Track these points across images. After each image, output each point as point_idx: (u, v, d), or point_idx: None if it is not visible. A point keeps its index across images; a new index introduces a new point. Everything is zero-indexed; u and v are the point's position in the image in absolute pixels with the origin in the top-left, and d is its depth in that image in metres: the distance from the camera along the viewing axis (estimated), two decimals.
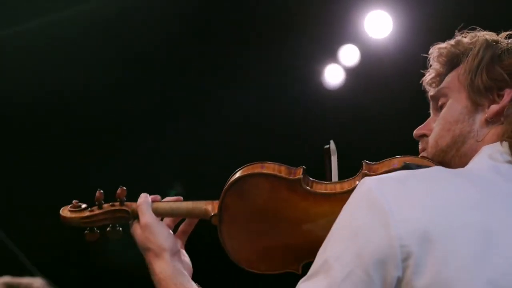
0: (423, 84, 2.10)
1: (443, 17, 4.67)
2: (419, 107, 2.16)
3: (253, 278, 2.36)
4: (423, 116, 2.06)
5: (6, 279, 3.45)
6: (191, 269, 2.11)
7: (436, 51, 2.06)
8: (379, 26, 4.93)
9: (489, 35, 2.02)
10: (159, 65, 5.12)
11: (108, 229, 2.13)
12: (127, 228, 2.20)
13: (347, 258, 1.70)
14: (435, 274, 1.69)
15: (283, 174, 1.99)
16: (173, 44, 5.00)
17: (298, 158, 2.27)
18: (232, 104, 5.06)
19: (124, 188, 2.10)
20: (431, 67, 2.09)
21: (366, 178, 1.78)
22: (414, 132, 2.06)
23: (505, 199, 1.81)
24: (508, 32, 2.04)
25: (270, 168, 2.01)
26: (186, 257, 2.12)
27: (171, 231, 2.12)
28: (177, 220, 2.16)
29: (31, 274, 3.81)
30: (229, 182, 2.02)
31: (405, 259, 1.68)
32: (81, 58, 4.97)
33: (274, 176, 1.98)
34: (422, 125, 2.06)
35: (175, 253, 2.08)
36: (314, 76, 5.13)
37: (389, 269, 1.69)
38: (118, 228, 2.13)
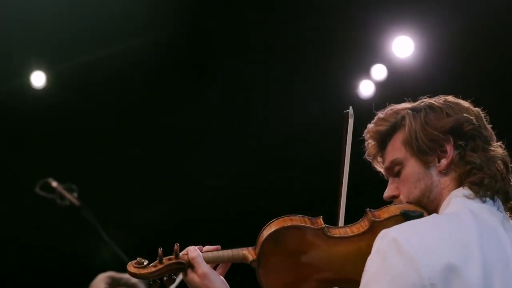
0: (368, 158, 2.28)
1: (457, 40, 5.21)
2: None
3: None
4: None
5: (110, 273, 3.82)
6: None
7: (367, 135, 2.26)
8: (403, 48, 5.41)
9: (409, 105, 2.21)
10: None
11: (165, 278, 2.27)
12: None
13: None
14: None
15: (308, 224, 2.20)
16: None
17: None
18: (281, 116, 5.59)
19: (178, 244, 2.25)
20: (369, 149, 2.27)
21: (386, 230, 2.00)
22: (384, 196, 2.23)
23: (489, 231, 2.05)
24: (422, 100, 2.23)
25: (297, 220, 2.21)
26: None
27: (222, 277, 2.27)
28: (216, 264, 2.29)
29: None
30: (266, 235, 2.21)
31: None
32: None
33: (302, 226, 2.19)
34: (387, 189, 2.22)
35: None
36: (351, 89, 5.64)
37: None
38: (173, 277, 2.27)
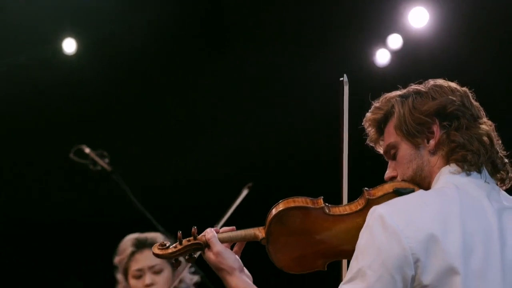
0: (370, 144, 2.45)
1: (471, 11, 5.32)
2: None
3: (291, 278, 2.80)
4: None
5: (135, 235, 4.00)
6: (251, 278, 2.47)
7: (366, 124, 2.42)
8: (419, 18, 5.48)
9: (400, 92, 2.37)
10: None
11: (186, 257, 2.50)
12: None
13: (376, 267, 2.11)
14: (438, 268, 2.09)
15: (310, 205, 2.39)
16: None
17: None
18: (303, 79, 5.64)
19: (196, 227, 2.48)
20: (370, 136, 2.43)
21: (375, 207, 2.19)
22: (385, 177, 2.39)
23: (472, 204, 2.20)
24: (413, 86, 2.38)
25: (300, 201, 2.41)
26: (246, 271, 2.47)
27: (235, 254, 2.47)
28: (231, 243, 2.49)
29: (155, 229, 4.28)
30: (272, 215, 2.41)
31: (416, 262, 2.11)
32: None
33: (304, 207, 2.39)
34: (387, 171, 2.39)
35: (241, 270, 2.45)
36: (367, 58, 5.73)
37: (406, 271, 2.11)
38: (194, 256, 2.51)
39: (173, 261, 2.54)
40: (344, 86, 2.55)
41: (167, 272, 3.90)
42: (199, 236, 2.48)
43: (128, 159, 5.53)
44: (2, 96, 5.58)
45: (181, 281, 3.89)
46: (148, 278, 3.87)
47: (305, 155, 5.66)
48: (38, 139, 5.65)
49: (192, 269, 3.97)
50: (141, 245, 3.96)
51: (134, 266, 3.94)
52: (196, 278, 3.94)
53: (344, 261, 2.55)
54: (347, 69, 2.68)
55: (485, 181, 2.28)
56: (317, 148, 5.30)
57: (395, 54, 5.72)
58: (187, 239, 2.48)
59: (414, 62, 5.53)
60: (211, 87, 5.80)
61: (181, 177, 5.75)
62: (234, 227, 2.51)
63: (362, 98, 2.50)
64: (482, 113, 2.36)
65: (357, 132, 2.52)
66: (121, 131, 5.80)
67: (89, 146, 4.87)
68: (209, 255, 2.45)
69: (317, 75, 5.39)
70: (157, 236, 3.93)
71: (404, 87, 2.42)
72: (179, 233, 2.47)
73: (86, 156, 4.83)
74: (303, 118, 5.59)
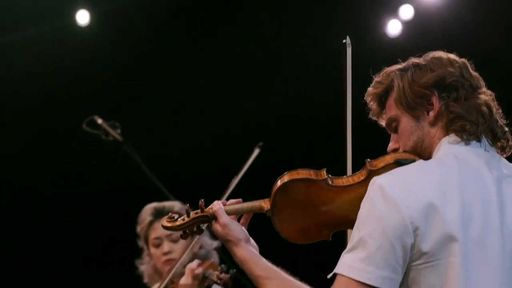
0: (373, 118, 2.49)
1: None
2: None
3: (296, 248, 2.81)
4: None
5: (154, 204, 4.05)
6: (258, 248, 2.50)
7: (368, 98, 2.46)
8: None
9: (399, 66, 2.40)
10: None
11: (194, 228, 2.56)
12: None
13: (376, 236, 2.13)
14: (437, 236, 2.12)
15: (313, 177, 2.42)
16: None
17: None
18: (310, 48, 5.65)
19: (203, 200, 2.53)
20: (371, 109, 2.47)
21: (375, 177, 2.21)
22: (388, 150, 2.43)
23: (471, 173, 2.23)
24: (412, 60, 2.40)
25: (303, 173, 2.43)
26: (253, 241, 2.51)
27: (242, 226, 2.51)
28: (238, 215, 2.53)
29: (166, 199, 4.35)
30: (276, 187, 2.44)
31: (415, 231, 2.13)
32: None
33: (308, 179, 2.42)
34: (390, 144, 2.43)
35: (248, 241, 2.48)
36: (379, 28, 5.75)
37: (405, 239, 2.13)
38: (201, 227, 2.57)
39: (182, 233, 2.58)
40: (347, 48, 2.57)
41: (184, 240, 3.95)
42: (206, 209, 2.52)
43: (139, 130, 5.58)
44: (16, 68, 5.62)
45: (201, 247, 3.94)
46: (166, 246, 3.93)
47: (312, 118, 5.63)
48: (51, 111, 5.71)
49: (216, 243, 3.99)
50: (158, 214, 3.99)
51: (153, 235, 4.00)
52: (216, 243, 3.96)
53: (349, 231, 2.53)
54: (359, 39, 2.72)
55: (485, 150, 2.30)
56: (324, 109, 5.25)
57: (406, 24, 5.74)
58: (195, 211, 2.53)
59: (425, 33, 5.54)
60: (219, 54, 5.82)
61: (192, 144, 5.78)
62: (241, 199, 2.55)
63: (374, 68, 2.50)
64: (482, 83, 2.37)
65: (363, 97, 2.53)
66: (133, 101, 5.84)
67: (101, 117, 4.95)
68: (216, 227, 2.49)
69: (329, 44, 5.38)
70: (175, 205, 3.98)
71: (416, 57, 2.44)
72: (187, 206, 2.54)
73: (98, 126, 4.92)
74: (313, 82, 5.60)
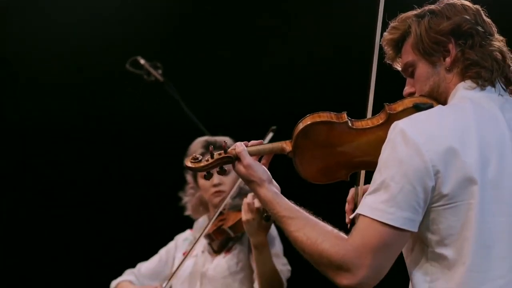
0: (388, 61, 2.57)
1: None
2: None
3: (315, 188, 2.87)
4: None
5: (205, 137, 4.18)
6: (279, 189, 2.54)
7: (384, 43, 2.54)
8: None
9: (414, 12, 2.47)
10: None
11: (217, 169, 2.63)
12: None
13: (398, 178, 2.20)
14: (456, 178, 2.20)
15: (334, 119, 2.50)
16: None
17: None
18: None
19: (226, 141, 2.59)
20: (388, 55, 2.56)
21: (396, 122, 2.28)
22: (404, 93, 2.52)
23: (487, 116, 2.31)
24: (425, 6, 2.48)
25: (324, 116, 2.51)
26: (275, 182, 2.56)
27: (264, 167, 2.57)
28: (259, 156, 2.59)
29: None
30: (298, 130, 2.51)
31: (436, 173, 2.20)
32: None
33: (329, 122, 2.50)
34: (405, 87, 2.52)
35: (270, 181, 2.53)
36: None
37: (427, 181, 2.20)
38: (224, 168, 2.62)
39: (205, 174, 2.65)
40: None
41: (234, 173, 4.00)
42: (229, 150, 2.58)
43: (181, 71, 5.62)
44: (56, 13, 5.69)
45: None
46: (216, 178, 3.98)
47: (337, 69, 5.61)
48: (95, 51, 5.77)
49: None
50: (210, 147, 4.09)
51: None
52: None
53: (363, 172, 2.68)
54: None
55: (499, 94, 2.39)
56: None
57: None
58: (218, 152, 2.60)
59: None
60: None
61: (233, 87, 5.83)
62: (262, 140, 2.61)
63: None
64: (494, 29, 2.46)
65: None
66: (175, 43, 5.87)
67: (144, 57, 5.05)
68: (240, 168, 2.55)
69: None
70: (226, 139, 4.00)
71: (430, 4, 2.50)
72: (211, 147, 2.61)
73: (141, 67, 5.03)
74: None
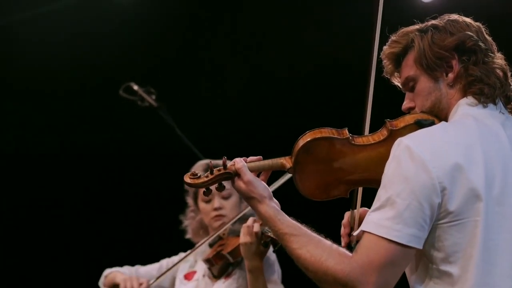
0: (386, 76, 2.56)
1: None
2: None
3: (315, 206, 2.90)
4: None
5: (207, 160, 4.09)
6: (279, 205, 2.49)
7: (383, 56, 2.52)
8: None
9: (417, 26, 2.47)
10: None
11: (216, 185, 2.56)
12: None
13: (405, 195, 2.18)
14: (463, 195, 2.19)
15: (335, 135, 2.48)
16: None
17: None
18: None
19: (225, 157, 2.52)
20: (386, 68, 2.54)
21: (401, 138, 2.26)
22: (402, 108, 2.50)
23: (490, 133, 2.31)
24: (428, 21, 2.47)
25: (326, 132, 2.48)
26: (275, 199, 2.50)
27: (264, 183, 2.51)
28: (258, 172, 2.53)
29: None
30: (300, 146, 2.49)
31: (442, 190, 2.19)
32: None
33: (330, 137, 2.48)
34: (404, 102, 2.50)
35: (271, 198, 2.47)
36: None
37: (433, 198, 2.18)
38: (223, 185, 2.57)
39: (204, 190, 2.60)
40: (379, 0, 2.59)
41: (235, 197, 4.01)
42: (229, 166, 2.52)
43: (175, 96, 5.64)
44: (51, 36, 5.66)
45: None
46: (217, 202, 3.98)
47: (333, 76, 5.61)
48: (87, 76, 5.76)
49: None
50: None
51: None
52: None
53: (359, 196, 2.65)
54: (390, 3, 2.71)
55: (500, 112, 2.39)
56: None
57: None
58: (217, 168, 2.54)
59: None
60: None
61: (226, 110, 5.84)
62: (261, 156, 2.57)
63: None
64: (495, 47, 2.46)
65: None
66: (167, 69, 5.88)
67: (137, 83, 5.06)
68: (240, 184, 2.49)
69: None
70: (225, 156, 4.03)
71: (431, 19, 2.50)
72: (210, 163, 2.56)
73: (134, 92, 5.04)
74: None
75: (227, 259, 3.89)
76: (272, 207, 2.45)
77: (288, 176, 2.93)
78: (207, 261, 3.94)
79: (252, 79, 5.79)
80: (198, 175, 2.56)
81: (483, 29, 2.46)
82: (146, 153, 5.85)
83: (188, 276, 4.08)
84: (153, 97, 5.03)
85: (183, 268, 4.13)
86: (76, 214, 5.98)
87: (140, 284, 3.93)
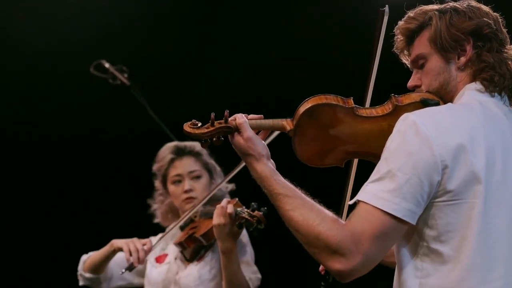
0: (396, 51, 2.57)
1: None
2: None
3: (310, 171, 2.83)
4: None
5: (174, 143, 4.14)
6: (275, 166, 2.49)
7: (397, 31, 2.54)
8: None
9: (436, 6, 2.48)
10: None
11: (214, 139, 2.52)
12: None
13: (407, 169, 2.21)
14: (463, 176, 2.22)
15: (340, 103, 2.49)
16: None
17: None
18: None
19: (228, 111, 2.50)
20: (398, 43, 2.55)
21: (407, 113, 2.28)
22: (408, 85, 2.53)
23: (494, 120, 2.34)
24: (448, 3, 2.48)
25: (331, 99, 2.49)
26: (272, 160, 2.50)
27: (264, 142, 2.51)
28: (258, 131, 2.53)
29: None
30: (304, 109, 2.48)
31: (443, 168, 2.22)
32: None
33: (335, 105, 2.48)
34: (411, 79, 2.52)
35: (269, 157, 2.48)
36: None
37: (434, 176, 2.21)
38: (221, 138, 2.52)
39: (202, 141, 2.55)
40: (385, 17, 2.68)
41: (205, 178, 4.00)
42: (230, 120, 2.50)
43: (147, 75, 5.56)
44: (25, 16, 5.59)
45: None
46: (187, 184, 3.95)
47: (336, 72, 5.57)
48: (59, 54, 5.67)
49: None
50: (180, 152, 4.03)
51: (173, 172, 4.01)
52: (230, 186, 4.00)
53: (349, 190, 2.69)
54: (392, 3, 2.76)
55: (504, 103, 2.42)
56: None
57: None
58: (218, 121, 2.51)
59: None
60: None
61: (202, 91, 5.79)
62: (262, 115, 2.56)
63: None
64: (508, 40, 2.49)
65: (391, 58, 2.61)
66: (141, 47, 5.79)
67: (108, 61, 4.96)
68: (239, 140, 2.47)
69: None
70: (196, 145, 3.96)
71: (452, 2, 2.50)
72: (212, 115, 2.51)
73: (106, 70, 4.95)
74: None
75: (200, 241, 3.83)
76: (269, 167, 2.44)
77: (268, 140, 2.95)
78: (179, 244, 3.89)
79: (232, 59, 5.74)
80: (198, 125, 2.53)
81: (500, 20, 2.49)
82: (117, 134, 5.76)
83: (159, 259, 4.04)
84: (125, 75, 4.92)
85: (154, 251, 4.06)
86: (48, 199, 5.94)
87: (144, 244, 3.86)
